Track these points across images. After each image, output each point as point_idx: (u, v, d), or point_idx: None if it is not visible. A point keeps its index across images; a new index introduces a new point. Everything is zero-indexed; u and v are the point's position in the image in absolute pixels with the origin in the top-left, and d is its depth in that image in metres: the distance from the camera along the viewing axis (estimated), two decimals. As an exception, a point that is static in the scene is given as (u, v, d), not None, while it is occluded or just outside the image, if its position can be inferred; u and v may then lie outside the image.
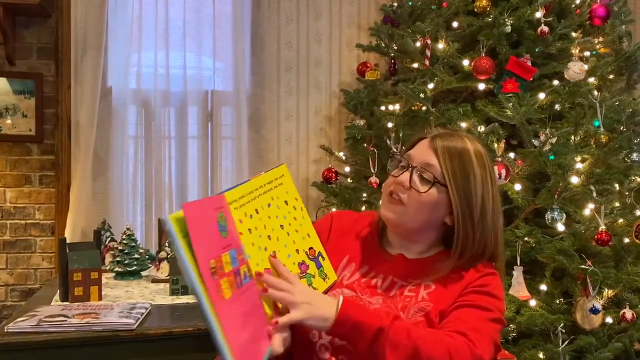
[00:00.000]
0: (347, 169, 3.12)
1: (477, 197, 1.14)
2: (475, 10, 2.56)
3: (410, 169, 1.16)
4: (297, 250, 1.13)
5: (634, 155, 2.47)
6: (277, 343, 0.97)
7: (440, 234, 1.20)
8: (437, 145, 1.16)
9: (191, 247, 0.86)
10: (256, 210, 1.07)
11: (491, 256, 1.20)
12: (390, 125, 2.69)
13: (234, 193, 1.03)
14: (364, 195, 2.84)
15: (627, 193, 2.49)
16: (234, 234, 0.98)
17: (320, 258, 1.17)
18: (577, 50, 2.47)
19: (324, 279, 1.14)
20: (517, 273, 2.27)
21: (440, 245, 1.22)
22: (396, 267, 1.19)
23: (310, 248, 1.16)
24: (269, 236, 1.08)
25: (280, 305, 1.01)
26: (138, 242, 2.31)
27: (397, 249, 1.23)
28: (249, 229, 1.03)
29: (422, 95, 2.53)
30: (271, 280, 1.01)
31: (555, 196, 2.27)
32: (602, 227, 2.23)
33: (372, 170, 2.82)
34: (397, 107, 2.72)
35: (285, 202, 1.16)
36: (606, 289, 2.32)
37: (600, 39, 2.68)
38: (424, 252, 1.22)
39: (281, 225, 1.12)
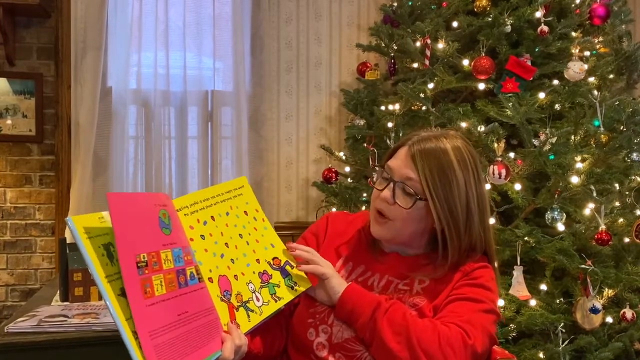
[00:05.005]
0: (347, 169, 3.11)
1: (461, 203, 1.13)
2: (475, 10, 2.56)
3: (392, 183, 1.15)
4: (257, 260, 1.14)
5: (634, 155, 2.46)
6: (228, 350, 0.96)
7: (431, 237, 1.21)
8: (415, 155, 1.13)
9: (113, 240, 0.86)
10: (212, 217, 1.10)
11: (484, 250, 1.22)
12: (390, 125, 2.69)
13: (184, 200, 1.06)
14: (364, 195, 2.84)
15: (627, 193, 2.49)
16: (181, 235, 0.99)
17: (287, 267, 1.17)
18: (577, 50, 2.47)
19: (292, 287, 1.14)
20: (517, 273, 2.27)
21: (433, 244, 1.22)
22: (392, 267, 1.20)
23: (275, 258, 1.17)
24: (226, 244, 1.09)
25: (237, 315, 1.03)
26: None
27: (391, 249, 1.24)
28: (202, 235, 1.05)
29: (422, 95, 2.53)
30: (303, 254, 1.15)
31: (555, 196, 2.27)
32: (602, 227, 2.23)
33: (372, 170, 2.82)
34: (397, 107, 2.72)
35: (245, 212, 1.18)
36: (606, 289, 2.31)
37: (600, 39, 2.67)
38: (418, 252, 1.23)
39: (240, 235, 1.14)
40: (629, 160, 2.46)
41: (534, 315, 2.20)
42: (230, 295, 1.04)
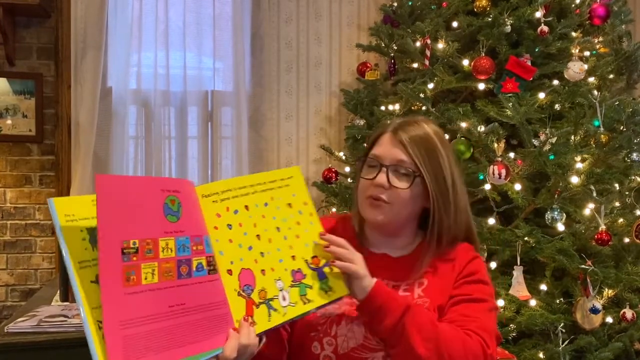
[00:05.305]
0: (347, 169, 3.11)
1: (449, 178, 1.17)
2: (475, 10, 2.56)
3: (385, 168, 1.15)
4: (293, 257, 1.06)
5: (634, 155, 2.47)
6: (230, 348, 0.91)
7: (420, 221, 1.23)
8: (402, 138, 1.16)
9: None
10: (246, 206, 1.04)
11: (467, 236, 1.23)
12: (390, 125, 2.69)
13: (215, 185, 1.02)
14: (364, 195, 2.84)
15: (627, 193, 2.49)
16: (193, 223, 0.94)
17: (326, 269, 1.08)
18: (577, 50, 2.47)
19: (326, 292, 1.06)
20: (517, 273, 2.27)
21: (421, 233, 1.24)
22: (384, 268, 1.19)
23: (314, 257, 1.08)
24: (258, 235, 1.04)
25: (255, 312, 0.97)
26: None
27: (381, 248, 1.23)
28: (229, 225, 1.00)
29: (422, 95, 2.54)
30: (337, 250, 1.06)
31: (555, 196, 2.27)
32: (602, 227, 2.23)
33: (372, 170, 2.82)
34: (397, 107, 2.72)
35: (289, 204, 1.10)
36: (606, 289, 2.32)
37: (600, 39, 2.68)
38: (408, 246, 1.23)
39: (277, 228, 1.07)
40: (629, 160, 2.46)
41: (534, 315, 2.20)
42: (252, 290, 0.99)
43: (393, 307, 1.05)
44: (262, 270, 1.01)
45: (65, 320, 1.59)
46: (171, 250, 0.89)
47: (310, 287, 1.05)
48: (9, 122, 2.96)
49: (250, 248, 1.01)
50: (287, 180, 1.12)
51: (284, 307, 1.01)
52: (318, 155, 3.35)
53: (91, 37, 2.93)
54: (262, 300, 0.99)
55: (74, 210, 0.85)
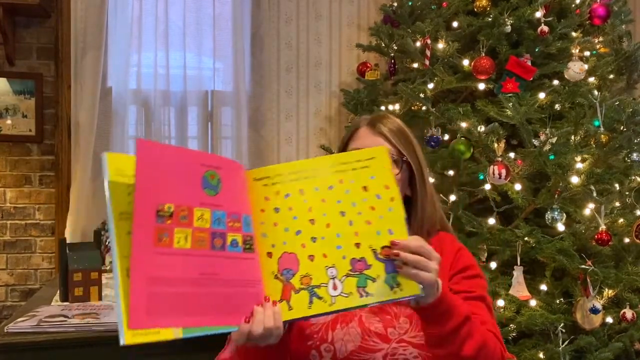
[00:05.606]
0: (347, 169, 3.11)
1: (423, 164, 1.22)
2: (475, 10, 2.56)
3: None
4: (357, 244, 0.96)
5: (634, 155, 2.47)
6: (257, 323, 0.89)
7: None
8: (382, 130, 1.20)
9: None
10: (300, 190, 0.99)
11: (442, 226, 1.26)
12: (390, 125, 2.69)
13: (268, 170, 1.00)
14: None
15: (627, 193, 2.49)
16: (233, 200, 0.94)
17: (398, 262, 0.96)
18: (577, 50, 2.48)
19: (391, 288, 0.94)
20: (517, 273, 2.27)
21: None
22: None
23: (385, 247, 0.95)
24: (311, 220, 0.97)
25: (293, 297, 0.93)
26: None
27: None
28: (276, 208, 0.98)
29: (422, 95, 2.54)
30: (409, 257, 0.93)
31: (555, 196, 2.27)
32: (602, 227, 2.23)
33: (372, 170, 2.82)
34: (397, 107, 2.73)
35: (364, 187, 0.99)
36: (606, 289, 2.32)
37: (600, 39, 2.68)
38: None
39: (341, 212, 0.98)
40: (629, 160, 2.46)
41: (534, 315, 2.20)
42: (293, 275, 0.94)
43: (455, 313, 1.00)
44: (311, 256, 0.95)
45: (65, 320, 1.59)
46: (206, 221, 0.90)
47: (373, 280, 0.94)
48: (9, 122, 2.96)
49: (298, 232, 0.97)
50: (365, 162, 1.01)
51: (333, 296, 0.93)
52: (318, 155, 3.35)
53: (91, 37, 2.93)
54: (303, 287, 0.94)
55: (124, 166, 0.86)
